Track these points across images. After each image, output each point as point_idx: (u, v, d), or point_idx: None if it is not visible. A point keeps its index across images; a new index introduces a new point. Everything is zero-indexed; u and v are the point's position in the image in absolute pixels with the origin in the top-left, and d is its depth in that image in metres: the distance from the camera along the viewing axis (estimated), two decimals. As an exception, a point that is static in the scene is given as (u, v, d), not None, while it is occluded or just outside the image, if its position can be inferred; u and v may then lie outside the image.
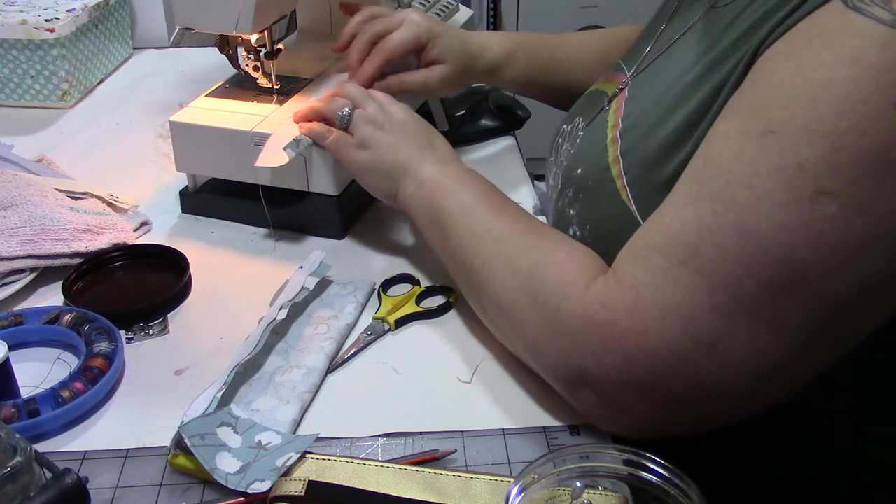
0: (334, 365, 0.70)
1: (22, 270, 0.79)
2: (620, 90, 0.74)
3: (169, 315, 0.76)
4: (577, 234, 0.70)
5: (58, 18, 1.14)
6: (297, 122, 0.86)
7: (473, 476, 0.57)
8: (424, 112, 0.96)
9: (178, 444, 0.60)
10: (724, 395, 0.57)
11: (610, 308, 0.57)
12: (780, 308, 0.53)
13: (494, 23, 2.39)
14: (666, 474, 0.49)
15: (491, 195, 0.74)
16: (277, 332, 0.72)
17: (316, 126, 0.83)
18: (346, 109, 0.82)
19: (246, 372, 0.68)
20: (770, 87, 0.54)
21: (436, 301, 0.77)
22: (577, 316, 0.59)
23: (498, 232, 0.69)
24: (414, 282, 0.80)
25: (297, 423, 0.64)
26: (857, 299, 0.53)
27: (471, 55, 0.94)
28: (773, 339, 0.54)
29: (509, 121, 1.09)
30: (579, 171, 0.72)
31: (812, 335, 0.54)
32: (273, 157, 0.82)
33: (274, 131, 0.85)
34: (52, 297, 0.79)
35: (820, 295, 0.53)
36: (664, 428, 0.60)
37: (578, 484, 0.51)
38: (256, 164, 0.83)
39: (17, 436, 0.54)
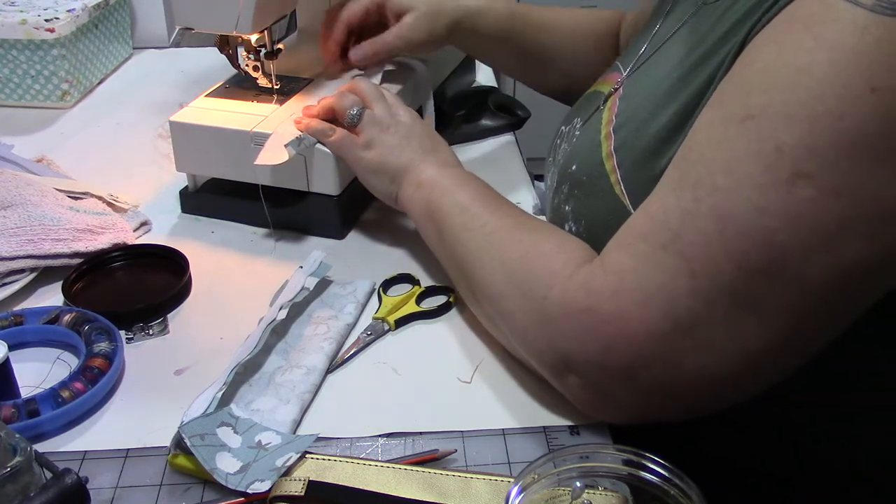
0: (334, 365, 0.70)
1: (22, 270, 0.79)
2: (616, 89, 0.74)
3: (169, 315, 0.76)
4: (573, 229, 0.70)
5: (58, 18, 1.14)
6: (304, 117, 0.86)
7: (473, 476, 0.57)
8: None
9: (178, 444, 0.60)
10: (709, 380, 0.57)
11: (592, 293, 0.58)
12: (760, 292, 0.53)
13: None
14: (666, 474, 0.49)
15: (487, 194, 0.75)
16: (277, 332, 0.72)
17: (316, 124, 0.84)
18: (357, 109, 0.82)
19: (246, 372, 0.68)
20: (752, 72, 0.55)
21: (436, 301, 0.77)
22: (562, 303, 0.60)
23: (491, 226, 0.70)
24: (414, 282, 0.80)
25: (297, 423, 0.64)
26: (837, 283, 0.53)
27: None
28: (755, 324, 0.54)
29: (509, 121, 1.09)
30: (574, 167, 0.72)
31: (793, 319, 0.54)
32: (273, 154, 0.82)
33: (275, 130, 0.85)
34: (52, 297, 0.79)
35: (799, 278, 0.53)
36: (651, 414, 0.61)
37: (578, 484, 0.51)
38: (256, 163, 0.83)
39: (17, 436, 0.54)
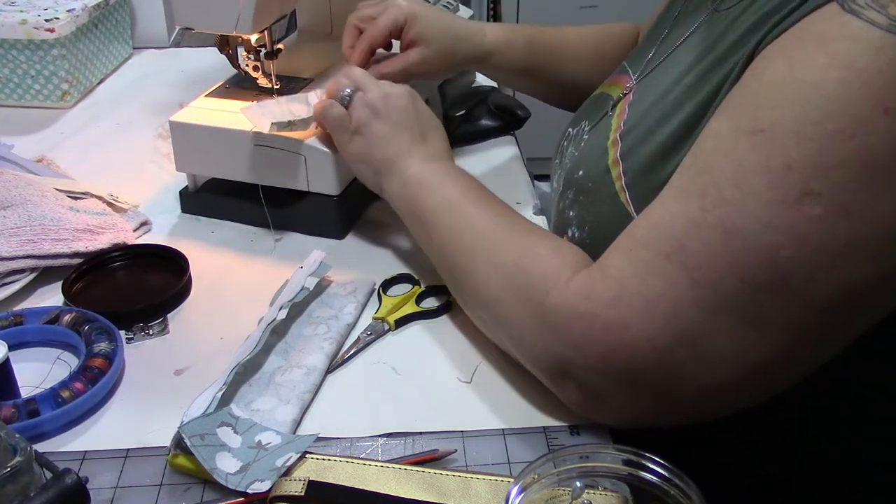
0: (334, 365, 0.70)
1: (22, 270, 0.79)
2: (625, 94, 0.74)
3: (169, 315, 0.76)
4: (577, 235, 0.70)
5: (58, 18, 1.14)
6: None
7: (473, 476, 0.57)
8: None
9: (178, 444, 0.60)
10: (707, 389, 0.57)
11: (592, 299, 0.58)
12: (763, 306, 0.53)
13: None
14: (666, 474, 0.49)
15: (474, 191, 0.73)
16: (277, 332, 0.72)
17: (318, 104, 0.83)
18: (349, 90, 0.82)
19: (246, 372, 0.68)
20: (762, 86, 0.54)
21: (436, 301, 0.77)
22: (560, 308, 0.59)
23: (482, 226, 0.69)
24: (414, 282, 0.80)
25: (297, 423, 0.64)
26: (841, 301, 0.53)
27: (456, 36, 0.92)
28: (756, 337, 0.54)
29: (509, 121, 1.09)
30: (580, 172, 0.72)
31: (795, 335, 0.54)
32: (259, 118, 0.83)
33: (280, 99, 0.85)
34: (52, 297, 0.79)
35: (803, 295, 0.53)
36: (648, 418, 0.61)
37: (578, 484, 0.51)
38: (242, 110, 0.83)
39: (17, 436, 0.54)
